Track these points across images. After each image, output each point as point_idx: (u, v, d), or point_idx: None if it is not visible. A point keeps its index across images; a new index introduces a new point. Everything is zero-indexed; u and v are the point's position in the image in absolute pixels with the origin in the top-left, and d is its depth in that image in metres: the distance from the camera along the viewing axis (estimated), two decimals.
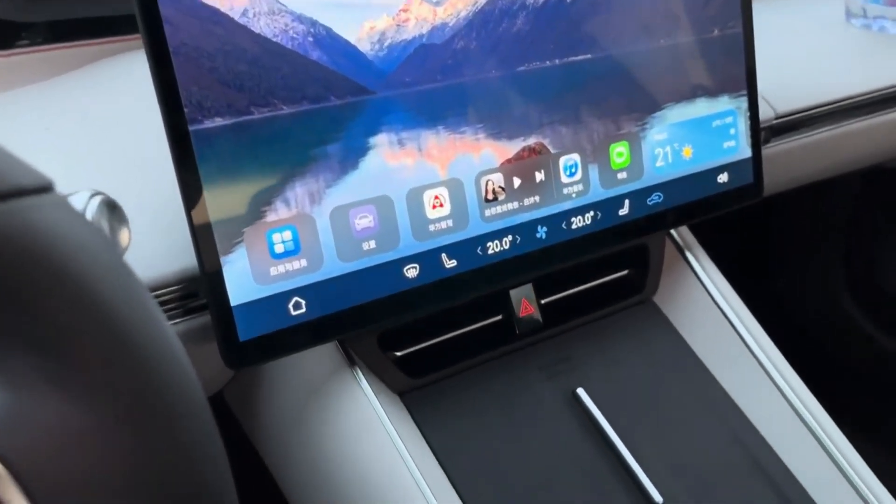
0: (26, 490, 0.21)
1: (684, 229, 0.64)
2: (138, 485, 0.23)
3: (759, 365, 0.58)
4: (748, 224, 1.20)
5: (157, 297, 0.45)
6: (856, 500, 0.54)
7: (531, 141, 0.51)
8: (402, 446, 0.49)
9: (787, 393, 0.57)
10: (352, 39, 0.45)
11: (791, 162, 0.73)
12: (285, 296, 0.44)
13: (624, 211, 0.56)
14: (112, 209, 0.28)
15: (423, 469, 0.48)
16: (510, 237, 0.51)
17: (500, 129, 0.50)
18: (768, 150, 0.69)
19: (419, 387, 0.52)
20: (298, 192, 0.44)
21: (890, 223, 1.16)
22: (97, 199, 0.28)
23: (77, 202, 0.28)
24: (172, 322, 0.46)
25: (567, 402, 0.54)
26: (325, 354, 0.50)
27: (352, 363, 0.50)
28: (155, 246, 0.45)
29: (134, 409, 0.24)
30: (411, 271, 0.48)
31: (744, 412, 0.57)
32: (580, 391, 0.54)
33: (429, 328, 0.54)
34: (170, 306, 0.45)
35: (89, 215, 0.28)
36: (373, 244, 0.46)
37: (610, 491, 0.50)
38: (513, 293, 0.56)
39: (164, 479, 0.24)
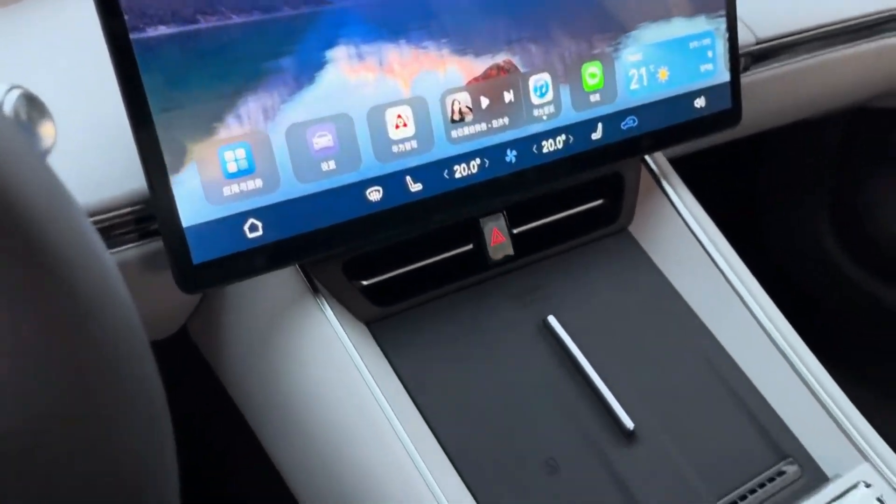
0: None
1: (660, 157, 0.63)
2: (53, 390, 0.22)
3: (734, 293, 0.57)
4: (734, 169, 1.19)
5: (110, 219, 0.43)
6: (832, 426, 0.53)
7: (499, 59, 0.49)
8: (368, 376, 0.47)
9: (761, 319, 0.56)
10: None
11: (772, 91, 0.71)
12: (241, 217, 0.43)
13: (597, 135, 0.54)
14: (32, 102, 0.26)
15: (390, 399, 0.47)
16: (478, 160, 0.50)
17: (465, 44, 0.48)
18: (748, 78, 0.67)
19: (387, 316, 0.51)
20: (251, 107, 0.42)
21: (875, 166, 1.15)
22: (15, 93, 0.26)
23: None
24: (128, 247, 0.44)
25: (538, 331, 0.53)
26: (287, 283, 0.49)
27: (315, 291, 0.48)
28: (109, 166, 0.43)
29: (51, 316, 0.22)
30: (374, 194, 0.46)
31: (718, 340, 0.56)
32: (551, 319, 0.53)
33: (397, 257, 0.52)
34: (125, 230, 0.44)
35: (6, 110, 0.26)
36: (332, 165, 0.45)
37: (581, 418, 0.49)
38: (484, 222, 0.54)
39: (81, 387, 0.22)
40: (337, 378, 0.48)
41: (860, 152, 1.14)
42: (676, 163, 0.65)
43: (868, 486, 0.49)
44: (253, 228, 0.43)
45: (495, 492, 0.46)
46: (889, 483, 0.49)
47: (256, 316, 0.51)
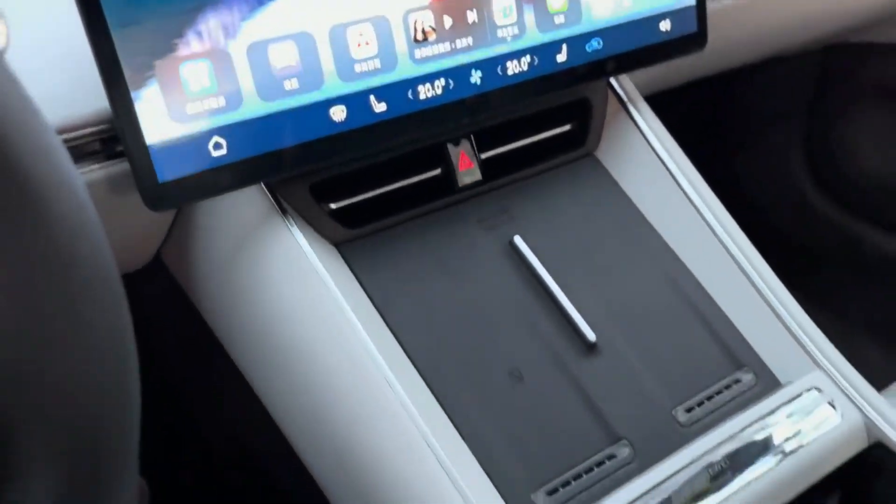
0: None
1: (627, 83, 0.63)
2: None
3: (699, 215, 0.58)
4: (707, 107, 1.19)
5: (76, 139, 0.43)
6: (787, 337, 0.55)
7: None
8: (338, 295, 0.49)
9: (722, 238, 0.57)
10: None
11: (742, 20, 0.72)
12: (205, 135, 0.43)
13: (562, 57, 0.54)
14: None
15: (360, 316, 0.48)
16: (442, 81, 0.50)
17: None
18: (716, 5, 0.67)
19: (356, 238, 0.52)
20: (211, 24, 0.42)
21: (849, 102, 1.16)
22: None
23: None
24: (94, 167, 0.44)
25: (504, 251, 0.54)
26: (256, 205, 0.49)
27: (283, 212, 0.49)
28: (73, 84, 0.43)
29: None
30: (338, 114, 0.47)
31: (681, 259, 0.57)
32: (517, 239, 0.54)
33: (366, 181, 0.53)
34: (91, 150, 0.44)
35: None
36: (295, 83, 0.45)
37: (545, 331, 0.51)
38: (451, 147, 0.55)
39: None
40: (308, 298, 0.49)
41: (834, 88, 1.15)
42: (648, 100, 0.65)
43: (819, 391, 0.51)
44: (217, 147, 0.44)
45: (462, 401, 0.47)
46: (840, 388, 0.52)
47: (226, 238, 0.51)
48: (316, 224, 0.50)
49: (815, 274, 1.23)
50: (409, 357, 0.49)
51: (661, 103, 0.68)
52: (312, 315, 0.49)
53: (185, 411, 0.76)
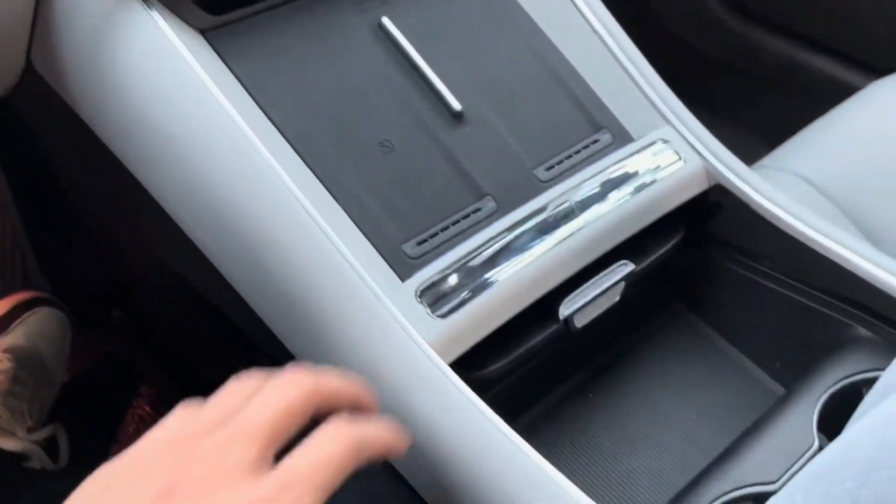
0: None
1: None
2: None
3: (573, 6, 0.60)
4: None
5: None
6: (646, 105, 0.59)
7: None
8: (207, 80, 0.50)
9: (587, 15, 0.59)
10: None
11: None
12: None
13: None
14: None
15: (231, 99, 0.50)
16: None
17: None
18: None
19: (222, 25, 0.52)
20: None
21: None
22: None
23: None
24: None
25: (374, 33, 0.55)
26: None
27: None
28: None
29: None
30: None
31: (548, 35, 0.59)
32: (385, 20, 0.55)
33: None
34: None
35: None
36: None
37: (413, 104, 0.53)
38: None
39: None
40: (176, 86, 0.50)
41: None
42: None
43: (666, 142, 0.55)
44: None
45: (336, 171, 0.50)
46: (685, 139, 0.56)
47: (89, 34, 0.51)
48: (178, 10, 0.50)
49: (714, 83, 1.27)
50: (282, 134, 0.51)
51: None
52: (184, 103, 0.50)
53: (103, 238, 0.78)
